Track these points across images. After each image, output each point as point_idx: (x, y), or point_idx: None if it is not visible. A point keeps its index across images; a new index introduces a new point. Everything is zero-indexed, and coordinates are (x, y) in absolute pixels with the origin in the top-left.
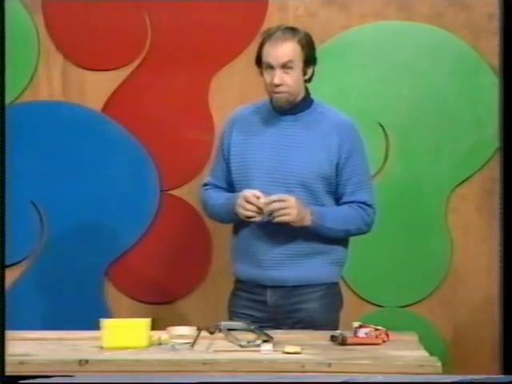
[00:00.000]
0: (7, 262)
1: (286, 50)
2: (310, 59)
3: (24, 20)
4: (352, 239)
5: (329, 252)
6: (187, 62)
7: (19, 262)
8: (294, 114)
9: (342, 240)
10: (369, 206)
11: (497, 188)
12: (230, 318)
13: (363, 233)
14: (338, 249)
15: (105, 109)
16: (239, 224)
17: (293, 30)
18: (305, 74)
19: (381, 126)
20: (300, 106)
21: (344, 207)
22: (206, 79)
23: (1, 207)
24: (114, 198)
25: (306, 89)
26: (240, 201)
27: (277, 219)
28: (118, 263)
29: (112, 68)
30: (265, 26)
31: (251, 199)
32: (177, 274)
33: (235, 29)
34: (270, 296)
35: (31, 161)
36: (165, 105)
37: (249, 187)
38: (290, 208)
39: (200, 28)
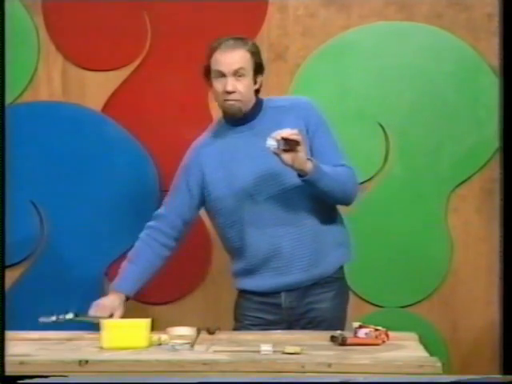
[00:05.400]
0: (7, 263)
1: (237, 57)
2: (259, 68)
3: (24, 20)
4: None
5: (332, 239)
6: (187, 62)
7: (19, 262)
8: (249, 121)
9: (338, 212)
10: (349, 168)
11: (497, 188)
12: (240, 321)
13: (353, 195)
14: (338, 230)
15: (105, 109)
16: (235, 251)
17: (242, 40)
18: (255, 82)
19: (381, 126)
20: (252, 113)
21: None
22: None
23: (1, 207)
24: (114, 198)
25: (256, 94)
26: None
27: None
28: (117, 263)
29: (112, 68)
30: (265, 26)
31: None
32: (177, 274)
33: (235, 29)
34: (284, 299)
35: (31, 161)
36: (165, 105)
37: (234, 205)
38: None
39: (200, 28)
